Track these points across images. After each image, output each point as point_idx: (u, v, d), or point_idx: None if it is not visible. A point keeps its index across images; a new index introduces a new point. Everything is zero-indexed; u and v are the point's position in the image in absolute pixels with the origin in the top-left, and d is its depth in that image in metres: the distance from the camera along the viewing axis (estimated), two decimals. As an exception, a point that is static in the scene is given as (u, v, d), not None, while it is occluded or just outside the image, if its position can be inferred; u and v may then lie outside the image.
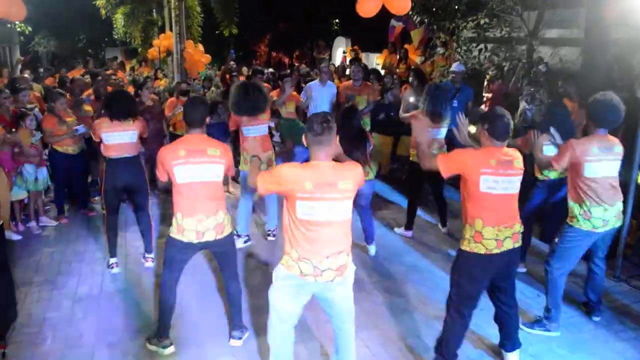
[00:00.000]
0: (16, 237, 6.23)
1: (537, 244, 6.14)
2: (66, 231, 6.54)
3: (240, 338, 4.20)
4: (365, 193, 5.62)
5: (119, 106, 5.27)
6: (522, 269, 5.53)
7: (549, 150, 5.04)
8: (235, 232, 5.87)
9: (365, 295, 5.01)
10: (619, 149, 4.15)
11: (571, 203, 4.25)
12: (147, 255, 5.62)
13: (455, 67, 8.13)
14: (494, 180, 3.45)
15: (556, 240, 4.35)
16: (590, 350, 4.24)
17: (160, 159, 3.78)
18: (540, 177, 5.32)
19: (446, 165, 3.63)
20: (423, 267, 5.70)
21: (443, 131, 6.05)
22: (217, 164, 3.78)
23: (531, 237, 5.76)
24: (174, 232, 3.84)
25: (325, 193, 3.05)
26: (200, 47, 12.70)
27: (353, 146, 5.19)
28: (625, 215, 5.26)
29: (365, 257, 5.85)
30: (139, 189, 5.49)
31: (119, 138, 5.27)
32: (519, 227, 3.62)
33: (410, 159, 6.37)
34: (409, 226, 6.57)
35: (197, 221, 3.77)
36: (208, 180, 3.77)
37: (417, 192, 6.56)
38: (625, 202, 5.26)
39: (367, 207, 5.84)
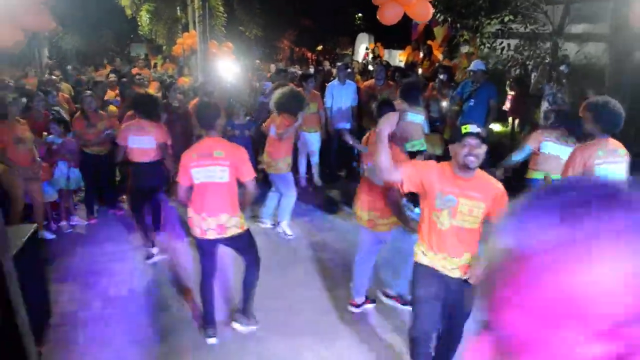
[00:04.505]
0: (50, 236, 6.44)
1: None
2: (95, 231, 6.74)
3: (240, 324, 4.45)
4: None
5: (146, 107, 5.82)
6: None
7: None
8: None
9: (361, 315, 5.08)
10: (622, 151, 4.12)
11: None
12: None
13: (473, 65, 8.06)
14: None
15: None
16: None
17: (182, 162, 4.16)
18: (537, 176, 5.32)
19: None
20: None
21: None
22: (220, 166, 4.04)
23: None
24: (190, 226, 4.25)
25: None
26: (228, 45, 12.90)
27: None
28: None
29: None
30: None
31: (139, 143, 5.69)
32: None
33: None
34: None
35: (201, 219, 4.11)
36: (212, 182, 4.06)
37: None
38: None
39: None
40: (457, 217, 3.28)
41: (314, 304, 4.97)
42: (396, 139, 4.18)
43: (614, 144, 4.11)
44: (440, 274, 3.39)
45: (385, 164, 3.26)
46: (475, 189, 3.26)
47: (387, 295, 4.99)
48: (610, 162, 4.05)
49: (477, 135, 3.13)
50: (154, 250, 5.88)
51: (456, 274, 3.38)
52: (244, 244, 4.33)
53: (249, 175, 4.12)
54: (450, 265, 3.37)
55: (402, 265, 4.73)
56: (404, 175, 3.32)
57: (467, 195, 3.25)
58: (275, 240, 6.45)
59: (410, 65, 13.47)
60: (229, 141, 6.93)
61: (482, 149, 3.15)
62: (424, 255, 3.43)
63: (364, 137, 5.00)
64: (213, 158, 4.04)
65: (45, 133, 6.53)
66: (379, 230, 4.47)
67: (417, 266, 3.49)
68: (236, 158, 4.08)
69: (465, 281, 3.37)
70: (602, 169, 4.03)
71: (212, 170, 4.05)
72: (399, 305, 4.87)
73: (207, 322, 4.39)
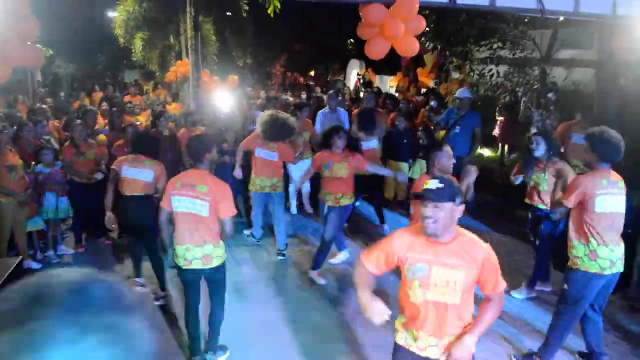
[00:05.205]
0: (36, 266, 6.35)
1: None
2: (83, 260, 6.65)
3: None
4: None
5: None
6: (546, 288, 5.67)
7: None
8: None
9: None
10: (622, 184, 4.11)
11: (575, 243, 4.14)
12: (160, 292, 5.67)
13: (459, 93, 8.13)
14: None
15: (565, 286, 4.21)
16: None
17: (166, 188, 4.30)
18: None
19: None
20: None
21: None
22: (201, 200, 4.05)
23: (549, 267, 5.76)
24: (174, 256, 4.26)
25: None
26: (234, 78, 13.10)
27: None
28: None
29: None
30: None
31: (133, 173, 5.46)
32: None
33: None
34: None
35: (185, 249, 4.13)
36: (193, 213, 4.08)
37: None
38: (640, 229, 5.33)
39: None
40: (431, 289, 2.74)
41: (307, 335, 4.92)
42: (436, 172, 4.31)
43: (615, 176, 4.11)
44: (417, 356, 2.91)
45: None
46: (454, 254, 2.72)
47: None
48: (610, 193, 4.03)
49: (437, 192, 2.65)
50: (138, 280, 5.73)
51: (433, 353, 2.85)
52: (221, 277, 4.36)
53: (227, 213, 4.12)
54: (425, 343, 2.85)
55: None
56: (372, 267, 2.92)
57: (442, 263, 2.71)
58: (265, 269, 6.42)
59: (404, 91, 13.64)
60: (219, 167, 7.07)
61: (446, 210, 2.64)
62: (402, 331, 2.99)
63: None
64: (195, 191, 4.07)
65: (33, 162, 6.51)
66: None
67: (395, 347, 3.03)
68: (218, 195, 4.08)
69: None
70: (604, 200, 4.01)
71: (192, 202, 4.08)
72: None
73: (193, 352, 4.40)
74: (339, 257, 6.45)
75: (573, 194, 4.07)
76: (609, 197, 4.02)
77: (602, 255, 4.03)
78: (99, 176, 6.75)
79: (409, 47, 4.88)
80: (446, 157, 4.37)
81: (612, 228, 4.06)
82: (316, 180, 8.36)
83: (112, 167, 5.65)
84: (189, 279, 4.30)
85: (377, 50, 4.72)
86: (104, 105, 9.84)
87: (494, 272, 2.77)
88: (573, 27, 9.44)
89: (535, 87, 9.35)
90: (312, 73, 24.21)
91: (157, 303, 5.47)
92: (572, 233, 4.17)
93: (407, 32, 4.67)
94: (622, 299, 5.53)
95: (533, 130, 8.04)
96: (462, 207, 2.75)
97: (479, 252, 2.74)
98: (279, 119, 6.42)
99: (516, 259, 6.48)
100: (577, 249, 4.12)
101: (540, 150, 5.30)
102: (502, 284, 2.82)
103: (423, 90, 12.92)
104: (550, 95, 8.41)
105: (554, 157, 5.32)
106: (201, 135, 4.87)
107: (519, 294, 5.63)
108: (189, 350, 4.43)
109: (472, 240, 2.79)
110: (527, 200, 5.62)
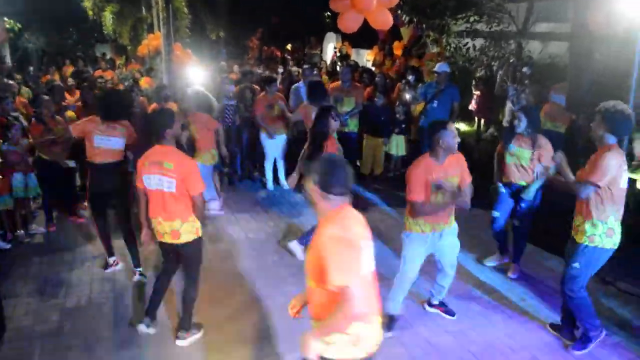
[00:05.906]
0: (5, 246, 6.23)
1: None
2: (54, 239, 6.55)
3: (184, 338, 4.41)
4: None
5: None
6: (513, 275, 5.63)
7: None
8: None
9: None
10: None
11: (595, 221, 4.00)
12: (134, 269, 5.58)
13: (438, 67, 8.04)
14: None
15: (576, 264, 4.11)
16: (574, 357, 4.27)
17: (137, 168, 4.21)
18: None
19: None
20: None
21: None
22: (168, 177, 4.02)
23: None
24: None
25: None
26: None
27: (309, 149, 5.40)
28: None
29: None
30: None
31: (107, 143, 5.30)
32: None
33: None
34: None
35: (157, 223, 4.19)
36: (162, 190, 4.06)
37: None
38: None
39: None
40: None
41: (284, 312, 4.89)
42: (440, 151, 4.15)
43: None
44: None
45: None
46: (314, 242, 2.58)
47: (431, 305, 4.91)
48: (626, 169, 4.00)
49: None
50: (111, 260, 5.68)
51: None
52: (193, 253, 4.33)
53: (196, 189, 4.08)
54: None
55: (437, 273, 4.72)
56: None
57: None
58: (240, 244, 6.38)
59: (379, 66, 13.53)
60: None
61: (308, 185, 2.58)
62: None
63: None
64: (162, 168, 4.03)
65: (0, 140, 6.31)
66: None
67: None
68: (185, 171, 4.04)
69: None
70: (625, 176, 3.97)
71: (160, 180, 4.05)
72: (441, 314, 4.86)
73: (147, 312, 4.48)
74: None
75: (604, 174, 3.86)
76: (625, 173, 3.99)
77: (617, 232, 4.04)
78: (71, 164, 6.63)
79: (383, 20, 4.82)
80: (451, 136, 4.11)
81: (623, 204, 4.05)
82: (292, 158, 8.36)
83: (71, 126, 5.51)
84: (164, 250, 4.40)
85: (349, 23, 4.66)
86: (71, 81, 9.56)
87: (319, 262, 2.43)
88: (549, 0, 9.41)
89: (511, 60, 9.33)
90: (289, 46, 23.93)
91: (135, 279, 5.47)
92: (593, 211, 4.00)
93: (379, 5, 4.59)
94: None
95: (509, 104, 8.06)
96: (315, 188, 2.53)
97: (317, 237, 2.51)
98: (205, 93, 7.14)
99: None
100: (596, 227, 4.01)
101: (521, 127, 5.25)
102: (330, 280, 2.39)
103: (396, 61, 12.83)
104: (525, 69, 8.40)
105: (534, 134, 5.27)
106: (160, 111, 4.74)
107: (512, 274, 5.63)
108: (145, 311, 4.51)
109: (322, 224, 2.56)
110: (505, 179, 5.46)
